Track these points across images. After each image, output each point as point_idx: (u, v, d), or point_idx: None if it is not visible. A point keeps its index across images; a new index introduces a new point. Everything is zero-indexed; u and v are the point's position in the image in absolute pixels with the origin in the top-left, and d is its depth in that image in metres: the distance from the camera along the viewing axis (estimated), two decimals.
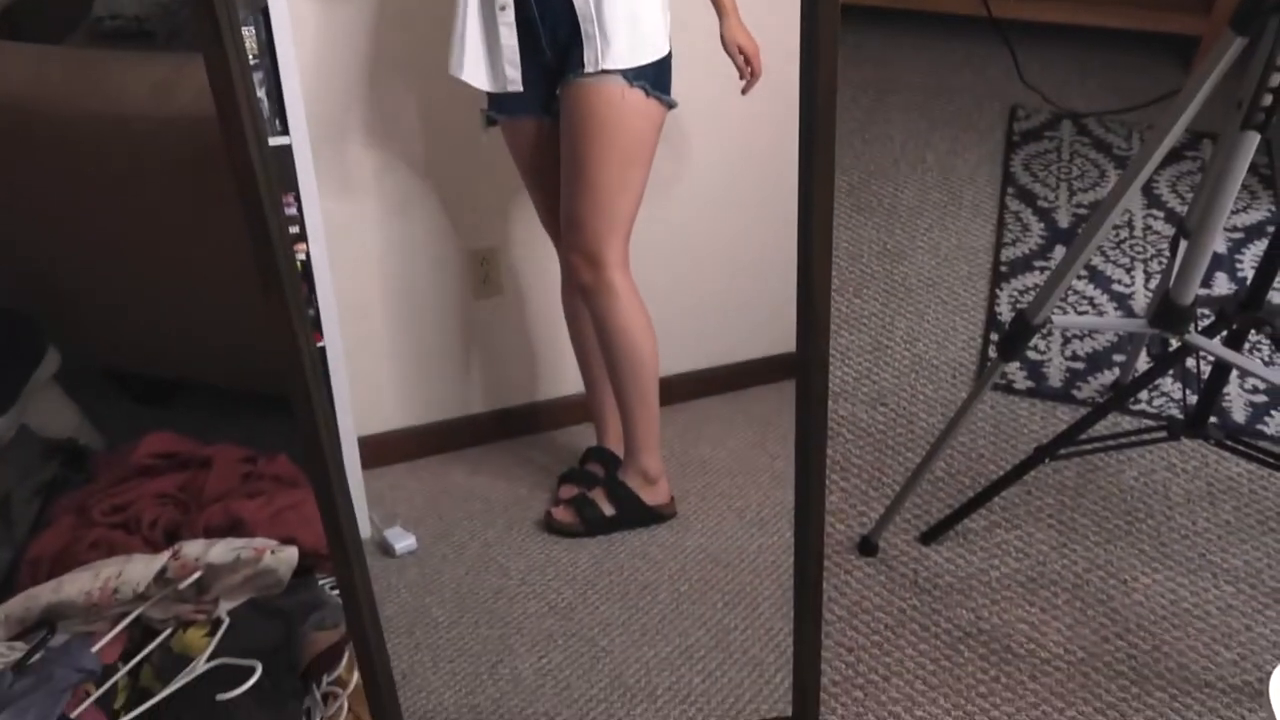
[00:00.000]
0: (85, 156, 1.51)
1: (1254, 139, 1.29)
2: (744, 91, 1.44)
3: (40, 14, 2.02)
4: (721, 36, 1.42)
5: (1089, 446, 1.64)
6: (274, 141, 1.34)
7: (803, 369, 1.17)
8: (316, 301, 1.47)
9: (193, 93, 1.44)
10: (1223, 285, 2.13)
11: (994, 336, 2.02)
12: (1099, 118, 2.57)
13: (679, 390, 1.72)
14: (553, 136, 1.48)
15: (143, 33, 1.97)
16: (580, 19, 1.35)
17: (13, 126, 1.50)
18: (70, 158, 1.51)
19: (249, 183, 1.02)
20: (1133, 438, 1.69)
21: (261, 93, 1.34)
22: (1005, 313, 2.07)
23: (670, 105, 1.43)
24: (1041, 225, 2.29)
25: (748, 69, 1.43)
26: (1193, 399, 1.62)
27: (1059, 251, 2.21)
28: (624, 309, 1.53)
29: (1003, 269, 2.17)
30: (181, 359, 1.79)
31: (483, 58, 1.39)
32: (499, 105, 1.47)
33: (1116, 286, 2.13)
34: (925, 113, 2.57)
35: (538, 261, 1.67)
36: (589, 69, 1.37)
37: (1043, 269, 2.17)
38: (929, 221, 2.29)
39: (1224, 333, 1.54)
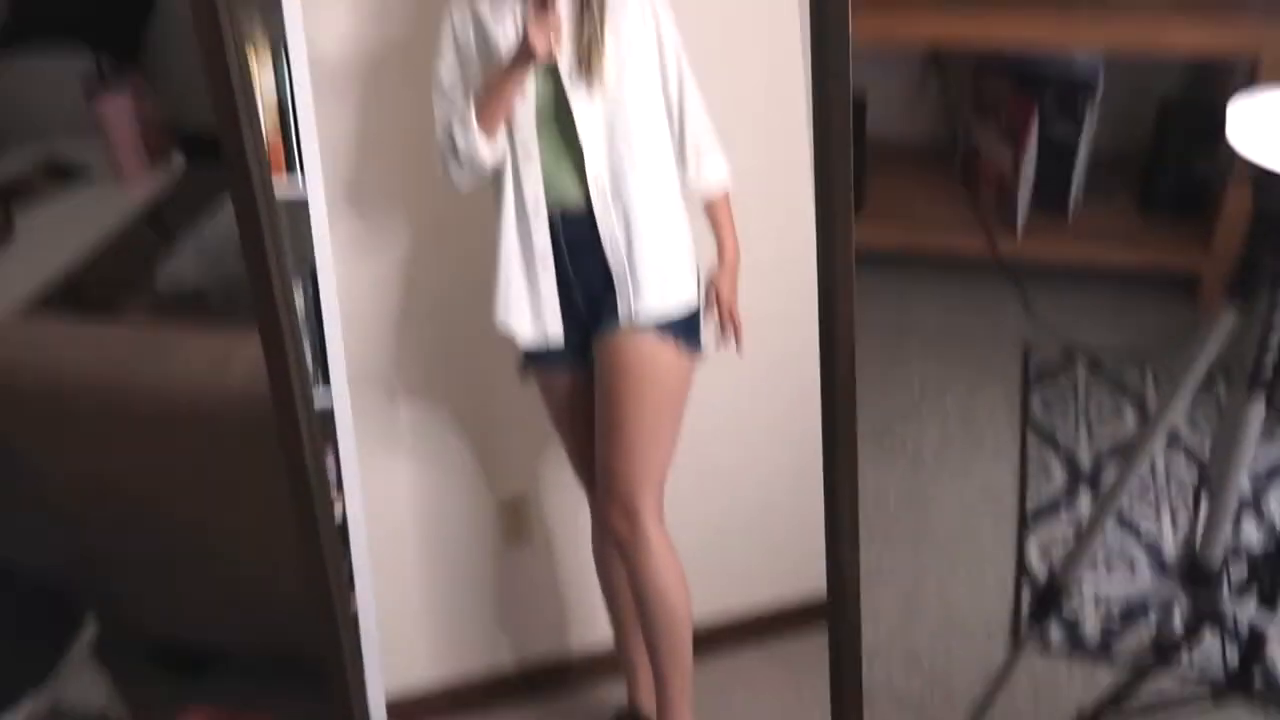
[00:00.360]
0: (138, 431, 1.56)
1: (1261, 400, 1.33)
2: (718, 347, 1.45)
3: (103, 281, 2.16)
4: (710, 281, 1.45)
5: (1130, 713, 1.59)
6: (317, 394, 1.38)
7: (834, 634, 1.16)
8: (350, 560, 1.48)
9: (246, 366, 1.51)
10: (1250, 529, 2.12)
11: (1025, 588, 2.00)
12: (1111, 355, 2.62)
13: (712, 641, 1.69)
14: (586, 386, 1.50)
15: (199, 297, 2.10)
16: (614, 274, 1.39)
17: (72, 404, 1.56)
18: (123, 432, 1.57)
19: (295, 448, 1.06)
20: (1175, 703, 1.65)
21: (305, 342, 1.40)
22: (1035, 562, 2.06)
23: (702, 357, 1.46)
24: (1064, 467, 2.31)
25: (715, 317, 1.44)
26: (1234, 654, 1.59)
27: (1083, 494, 2.22)
28: (659, 564, 1.52)
29: (1029, 515, 2.18)
30: (220, 628, 1.80)
31: (526, 311, 1.43)
32: (534, 355, 1.51)
33: (1145, 526, 2.12)
34: (942, 353, 2.63)
35: (568, 509, 1.67)
36: (622, 322, 1.41)
37: (1068, 514, 2.17)
38: (952, 466, 2.31)
39: (1257, 588, 1.53)
